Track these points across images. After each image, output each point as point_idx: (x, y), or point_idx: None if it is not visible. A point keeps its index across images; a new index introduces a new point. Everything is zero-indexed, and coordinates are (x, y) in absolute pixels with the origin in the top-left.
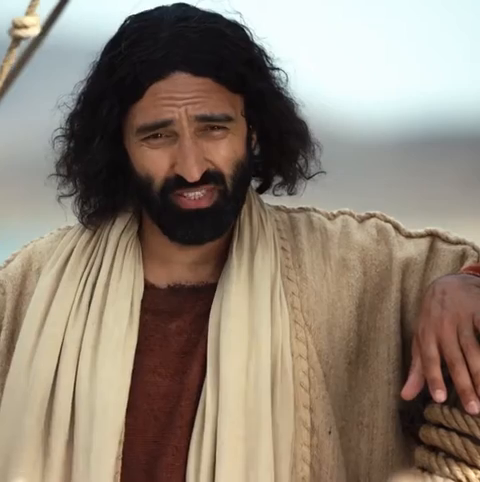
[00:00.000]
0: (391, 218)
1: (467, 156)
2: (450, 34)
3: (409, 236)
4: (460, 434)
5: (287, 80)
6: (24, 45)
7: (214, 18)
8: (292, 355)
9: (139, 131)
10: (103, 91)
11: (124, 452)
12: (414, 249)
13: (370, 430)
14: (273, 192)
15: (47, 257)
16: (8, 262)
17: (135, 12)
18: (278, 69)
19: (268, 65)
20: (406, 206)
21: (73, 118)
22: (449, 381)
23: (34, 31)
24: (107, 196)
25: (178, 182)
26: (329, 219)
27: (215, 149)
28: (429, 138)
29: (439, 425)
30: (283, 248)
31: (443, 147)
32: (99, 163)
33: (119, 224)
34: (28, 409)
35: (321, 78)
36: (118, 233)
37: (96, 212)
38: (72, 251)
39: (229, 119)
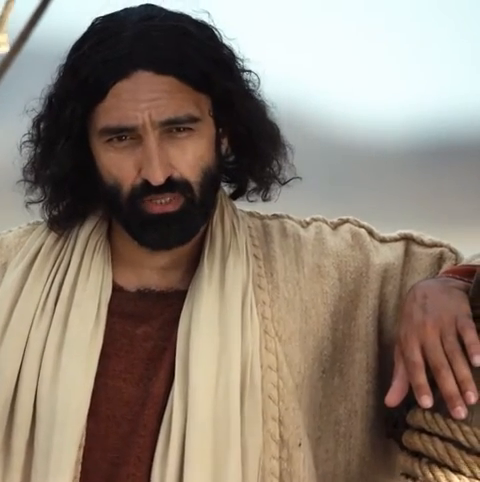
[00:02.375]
0: (365, 223)
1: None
2: (462, 38)
3: (383, 241)
4: (443, 439)
5: (259, 82)
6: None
7: (179, 17)
8: (261, 367)
9: (102, 132)
10: (67, 93)
11: (84, 457)
12: (390, 254)
13: (347, 440)
14: (247, 198)
15: (14, 252)
16: None
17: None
18: (249, 71)
19: (238, 66)
20: (416, 215)
21: (39, 122)
22: (432, 386)
23: (3, 49)
24: (76, 201)
25: (145, 189)
26: (302, 226)
27: (181, 155)
28: (439, 146)
29: (422, 430)
30: (255, 256)
31: (454, 155)
32: (65, 167)
33: (88, 225)
34: None
35: (326, 86)
36: (87, 233)
37: (65, 217)
38: (40, 248)
39: (194, 119)
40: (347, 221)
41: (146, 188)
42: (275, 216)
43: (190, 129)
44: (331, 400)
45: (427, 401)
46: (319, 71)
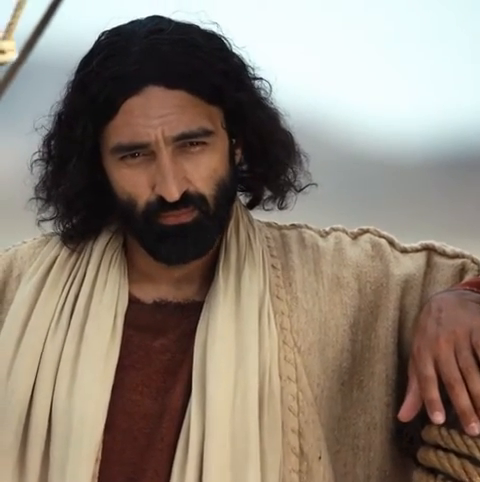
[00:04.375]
0: (385, 233)
1: None
2: None
3: (404, 251)
4: (459, 455)
5: (271, 90)
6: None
7: (187, 29)
8: (280, 378)
9: (115, 150)
10: (77, 110)
11: (101, 471)
12: (411, 264)
13: (366, 454)
14: (263, 207)
15: (29, 264)
16: None
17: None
18: (260, 79)
19: (249, 75)
20: (434, 226)
21: (49, 140)
22: (446, 401)
23: (11, 56)
24: (90, 217)
25: (160, 205)
26: (321, 236)
27: (195, 168)
28: (458, 157)
29: (437, 446)
30: (273, 266)
31: (472, 167)
32: (78, 185)
33: (103, 238)
34: (6, 425)
35: (343, 95)
36: (102, 246)
37: (79, 232)
38: (55, 260)
39: (207, 132)
40: (367, 231)
41: (161, 204)
42: (293, 226)
43: (204, 143)
44: (350, 413)
45: (439, 417)
46: (335, 80)
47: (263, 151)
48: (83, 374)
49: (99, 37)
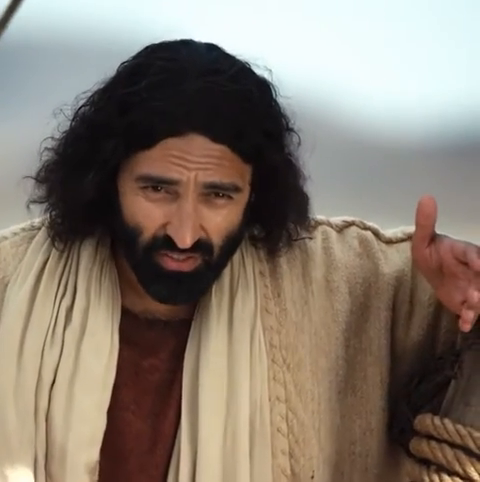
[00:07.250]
0: (370, 224)
1: None
2: None
3: (390, 242)
4: (452, 445)
5: (299, 144)
6: None
7: (245, 77)
8: (270, 399)
9: (140, 179)
10: (110, 126)
11: None
12: (399, 258)
13: (363, 460)
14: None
15: (13, 265)
16: None
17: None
18: (293, 131)
19: (286, 127)
20: (442, 214)
21: (69, 138)
22: (440, 389)
23: None
24: (85, 220)
25: (166, 243)
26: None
27: (213, 218)
28: (467, 143)
29: (430, 436)
30: (261, 273)
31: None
32: (88, 196)
33: (89, 243)
34: (24, 445)
35: (350, 84)
36: (90, 252)
37: (69, 232)
38: (44, 266)
39: (237, 189)
40: (353, 223)
41: (167, 244)
42: None
43: (230, 197)
44: (345, 420)
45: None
46: (340, 66)
47: (276, 210)
48: (80, 396)
49: (146, 49)
